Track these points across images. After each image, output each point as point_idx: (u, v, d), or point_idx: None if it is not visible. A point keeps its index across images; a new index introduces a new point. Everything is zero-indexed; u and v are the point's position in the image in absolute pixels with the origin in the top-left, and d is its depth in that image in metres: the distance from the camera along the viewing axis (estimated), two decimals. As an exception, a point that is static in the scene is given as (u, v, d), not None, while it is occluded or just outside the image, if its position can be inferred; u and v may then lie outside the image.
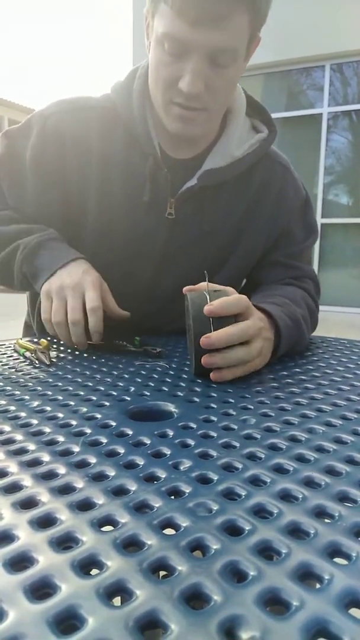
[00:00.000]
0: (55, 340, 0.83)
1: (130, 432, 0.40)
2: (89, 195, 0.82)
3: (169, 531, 0.26)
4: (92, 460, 0.35)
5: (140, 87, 0.80)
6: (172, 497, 0.30)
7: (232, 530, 0.26)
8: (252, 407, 0.47)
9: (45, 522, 0.27)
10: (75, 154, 0.81)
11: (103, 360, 0.69)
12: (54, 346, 0.78)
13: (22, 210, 0.86)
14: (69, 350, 0.75)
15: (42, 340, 0.77)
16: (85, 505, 0.29)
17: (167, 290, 0.88)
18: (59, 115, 0.81)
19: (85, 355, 0.72)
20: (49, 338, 0.85)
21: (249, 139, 0.84)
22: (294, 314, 0.70)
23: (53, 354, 0.72)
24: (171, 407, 0.47)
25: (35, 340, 0.82)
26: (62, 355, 0.72)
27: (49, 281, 0.73)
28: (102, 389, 0.54)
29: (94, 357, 0.70)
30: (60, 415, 0.45)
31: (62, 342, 0.82)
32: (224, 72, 0.68)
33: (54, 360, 0.68)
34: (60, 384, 0.56)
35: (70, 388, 0.54)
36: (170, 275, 0.87)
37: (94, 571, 0.23)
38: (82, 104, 0.83)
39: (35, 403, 0.48)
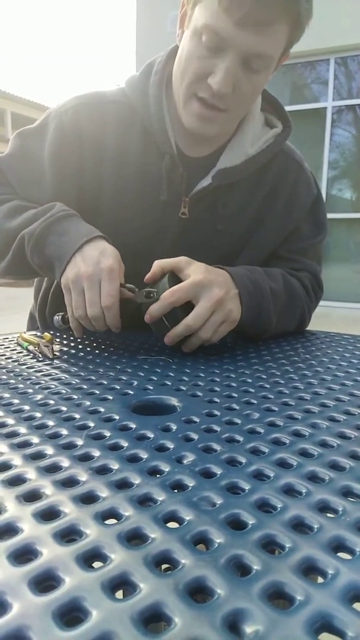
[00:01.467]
0: (58, 334, 0.83)
1: (134, 426, 0.40)
2: (102, 191, 0.81)
3: (173, 525, 0.26)
4: (96, 453, 0.35)
5: (157, 83, 0.78)
6: (176, 490, 0.30)
7: (236, 524, 0.26)
8: (255, 401, 0.47)
9: (49, 514, 0.27)
10: (92, 150, 0.80)
11: (106, 354, 0.69)
12: (57, 340, 0.78)
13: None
14: (72, 344, 0.75)
15: (46, 333, 0.77)
16: (89, 498, 0.29)
17: None
18: (76, 110, 0.80)
19: (88, 349, 0.72)
20: (52, 332, 0.85)
21: (263, 134, 0.83)
22: (256, 281, 0.73)
23: (56, 347, 0.72)
24: (174, 401, 0.47)
25: (39, 334, 0.82)
26: (65, 349, 0.72)
27: (65, 272, 0.68)
28: (106, 382, 0.54)
29: (97, 351, 0.70)
30: (64, 408, 0.45)
31: (64, 336, 0.82)
32: (254, 77, 0.68)
33: (57, 353, 0.68)
34: (63, 377, 0.56)
35: (74, 382, 0.54)
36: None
37: (97, 564, 0.23)
38: (99, 99, 0.81)
39: (39, 396, 0.49)
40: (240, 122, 0.82)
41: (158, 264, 0.68)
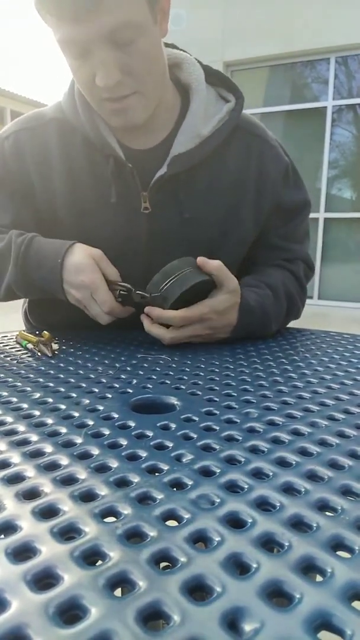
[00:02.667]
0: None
1: (133, 424, 0.40)
2: (58, 208, 0.81)
3: (172, 523, 0.26)
4: (95, 451, 0.35)
5: (80, 92, 0.78)
6: (175, 489, 0.30)
7: (235, 523, 0.26)
8: (254, 400, 0.47)
9: (48, 512, 0.27)
10: (38, 169, 0.80)
11: (106, 352, 0.69)
12: (57, 339, 0.78)
13: None
14: (71, 342, 0.75)
15: (45, 332, 0.77)
16: (88, 496, 0.29)
17: None
18: (16, 136, 0.81)
19: (87, 347, 0.72)
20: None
21: (218, 110, 0.80)
22: (264, 306, 0.76)
23: (55, 345, 0.72)
24: (173, 400, 0.47)
25: (38, 332, 0.82)
26: (64, 347, 0.72)
27: (70, 300, 0.73)
28: (105, 381, 0.54)
29: (94, 350, 0.70)
30: (63, 406, 0.45)
31: (64, 335, 0.82)
32: (133, 48, 0.65)
33: (56, 352, 0.68)
34: (62, 375, 0.56)
35: (73, 380, 0.54)
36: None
37: (97, 562, 0.23)
38: (38, 120, 0.81)
39: (38, 394, 0.48)
40: (186, 103, 0.80)
41: (218, 268, 0.69)
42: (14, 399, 0.47)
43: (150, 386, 0.52)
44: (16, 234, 0.77)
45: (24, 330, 0.82)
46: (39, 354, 0.67)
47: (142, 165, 0.78)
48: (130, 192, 0.79)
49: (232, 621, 0.19)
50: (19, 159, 0.81)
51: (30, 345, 0.70)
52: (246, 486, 0.30)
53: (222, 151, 0.80)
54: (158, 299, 0.68)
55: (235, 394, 0.49)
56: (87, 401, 0.46)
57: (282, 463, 0.33)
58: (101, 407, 0.45)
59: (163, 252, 0.81)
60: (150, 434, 0.38)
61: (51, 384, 0.52)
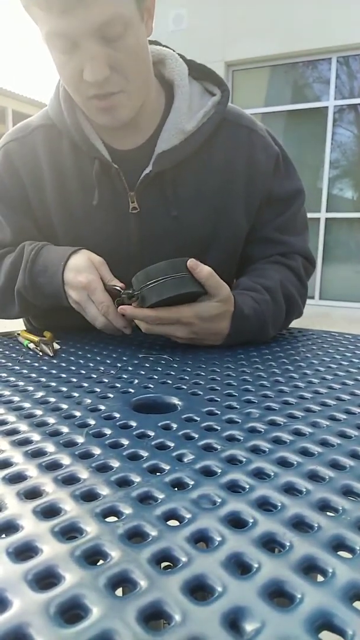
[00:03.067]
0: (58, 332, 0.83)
1: (134, 424, 0.40)
2: (51, 214, 0.82)
3: (173, 522, 0.26)
4: (96, 451, 0.35)
5: (64, 94, 0.78)
6: (176, 488, 0.30)
7: (236, 523, 0.26)
8: (256, 400, 0.47)
9: (49, 512, 0.27)
10: (30, 180, 0.81)
11: (107, 352, 0.69)
12: (58, 341, 0.78)
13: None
14: (73, 342, 0.75)
15: (46, 332, 0.77)
16: (89, 496, 0.29)
17: None
18: (5, 149, 0.81)
19: (88, 347, 0.72)
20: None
21: (203, 104, 0.79)
22: (261, 313, 0.73)
23: (56, 345, 0.72)
24: (175, 400, 0.47)
25: (38, 331, 0.82)
26: (65, 347, 0.72)
27: (71, 303, 0.73)
28: (106, 380, 0.54)
29: (95, 350, 0.70)
30: (65, 406, 0.45)
31: (65, 334, 0.82)
32: (121, 44, 0.65)
33: (58, 351, 0.68)
34: (64, 375, 0.56)
35: (74, 379, 0.54)
36: None
37: (97, 561, 0.23)
38: (24, 131, 0.82)
39: (39, 394, 0.49)
40: (170, 99, 0.79)
41: (208, 277, 0.66)
42: (16, 399, 0.47)
43: (152, 386, 0.52)
44: (28, 243, 0.78)
45: (25, 330, 0.82)
46: (41, 353, 0.67)
47: (129, 166, 0.77)
48: (117, 193, 0.78)
49: (233, 621, 0.19)
50: (11, 172, 0.81)
51: (32, 345, 0.70)
52: (247, 486, 0.30)
53: (209, 145, 0.80)
54: (138, 297, 0.66)
55: (237, 394, 0.49)
56: (89, 401, 0.47)
57: (284, 463, 0.33)
58: (102, 407, 0.45)
59: (155, 253, 0.80)
60: (151, 433, 0.38)
61: (53, 384, 0.52)
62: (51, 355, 0.66)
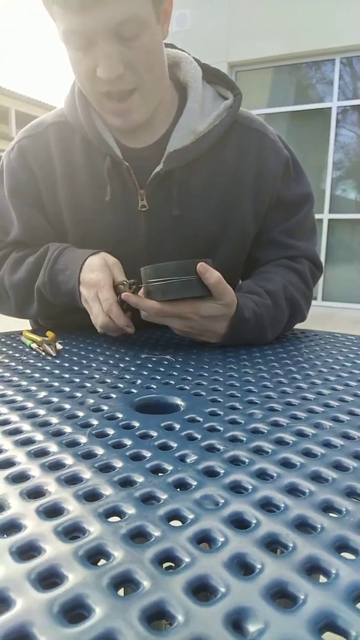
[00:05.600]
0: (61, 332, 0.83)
1: (137, 425, 0.40)
2: (61, 209, 0.83)
3: (176, 523, 0.26)
4: (99, 451, 0.35)
5: (79, 92, 0.79)
6: (179, 489, 0.30)
7: (239, 523, 0.26)
8: (258, 401, 0.47)
9: (52, 511, 0.27)
10: (43, 176, 0.82)
11: (110, 352, 0.69)
12: (61, 341, 0.78)
13: (12, 239, 0.87)
14: (75, 342, 0.76)
15: (49, 332, 0.78)
16: (92, 496, 0.29)
17: None
18: (20, 146, 0.83)
19: (91, 347, 0.72)
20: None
21: (215, 107, 0.80)
22: (259, 316, 0.74)
23: (59, 345, 0.72)
24: (178, 400, 0.47)
25: (40, 331, 0.82)
26: (68, 347, 0.72)
27: (82, 298, 0.74)
28: (109, 381, 0.54)
29: (98, 350, 0.70)
30: (67, 406, 0.45)
31: (68, 335, 0.82)
32: (136, 43, 0.66)
33: (60, 352, 0.68)
34: (67, 375, 0.56)
35: (77, 380, 0.54)
36: None
37: (100, 561, 0.23)
38: (38, 128, 0.83)
39: (42, 394, 0.49)
40: (183, 101, 0.80)
41: (215, 284, 0.66)
42: (19, 398, 0.47)
43: (154, 386, 0.52)
44: (52, 244, 0.81)
45: (28, 330, 0.82)
46: (43, 353, 0.67)
47: (140, 164, 0.78)
48: (127, 190, 0.79)
49: (236, 621, 0.19)
50: (25, 168, 0.83)
51: (34, 345, 0.70)
52: (250, 487, 0.30)
53: (220, 147, 0.80)
54: (144, 288, 0.67)
55: (239, 395, 0.49)
56: (92, 401, 0.47)
57: (287, 464, 0.33)
58: (105, 407, 0.45)
59: (162, 251, 0.82)
60: (154, 434, 0.38)
61: (55, 384, 0.52)
62: (54, 355, 0.66)
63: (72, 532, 0.25)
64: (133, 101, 0.71)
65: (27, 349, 0.71)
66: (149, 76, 0.70)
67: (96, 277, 0.70)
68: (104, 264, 0.72)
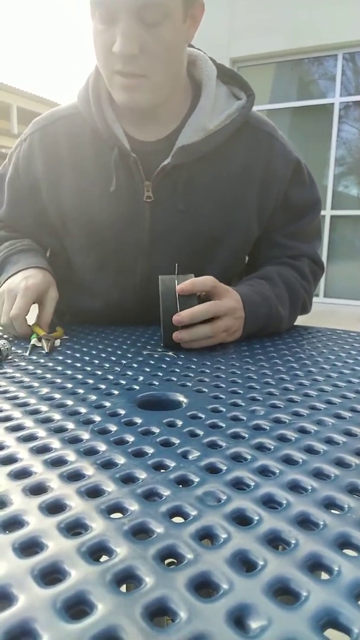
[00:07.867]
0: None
1: (139, 421, 0.40)
2: (65, 199, 0.84)
3: (178, 519, 0.26)
4: (102, 447, 0.35)
5: (93, 82, 0.80)
6: (181, 485, 0.30)
7: (241, 520, 0.26)
8: (261, 398, 0.47)
9: (54, 508, 0.27)
10: (45, 166, 0.84)
11: (112, 349, 0.69)
12: (66, 337, 0.78)
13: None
14: (76, 339, 0.76)
15: (58, 327, 0.78)
16: (94, 492, 0.29)
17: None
18: (31, 137, 0.85)
19: (93, 344, 0.72)
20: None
21: (228, 107, 0.80)
22: (262, 293, 0.77)
23: (57, 342, 0.73)
24: (180, 397, 0.47)
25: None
26: (70, 343, 0.72)
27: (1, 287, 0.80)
28: (111, 377, 0.54)
29: (100, 347, 0.70)
30: (70, 402, 0.45)
31: (70, 330, 0.82)
32: (156, 31, 0.67)
33: (55, 348, 0.69)
34: (69, 372, 0.56)
35: (79, 376, 0.54)
36: (162, 263, 0.82)
37: (103, 557, 0.23)
38: (49, 120, 0.85)
39: (45, 390, 0.49)
40: (196, 99, 0.81)
41: (214, 283, 0.69)
42: (21, 394, 0.47)
43: (157, 383, 0.52)
44: (7, 243, 0.87)
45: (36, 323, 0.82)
46: (38, 346, 0.68)
47: (147, 156, 0.79)
48: (133, 181, 0.80)
49: (238, 618, 0.19)
50: (29, 162, 0.86)
51: (34, 340, 0.70)
52: (252, 483, 0.30)
53: (229, 146, 0.81)
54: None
55: (242, 392, 0.49)
56: (94, 397, 0.47)
57: (289, 461, 0.33)
58: (107, 404, 0.45)
59: (165, 243, 0.83)
60: (156, 430, 0.38)
61: (58, 380, 0.52)
62: (46, 351, 0.66)
63: (74, 528, 0.25)
64: (141, 82, 0.71)
65: (29, 346, 0.71)
66: (161, 68, 0.71)
67: (25, 284, 0.75)
68: (44, 287, 0.78)
